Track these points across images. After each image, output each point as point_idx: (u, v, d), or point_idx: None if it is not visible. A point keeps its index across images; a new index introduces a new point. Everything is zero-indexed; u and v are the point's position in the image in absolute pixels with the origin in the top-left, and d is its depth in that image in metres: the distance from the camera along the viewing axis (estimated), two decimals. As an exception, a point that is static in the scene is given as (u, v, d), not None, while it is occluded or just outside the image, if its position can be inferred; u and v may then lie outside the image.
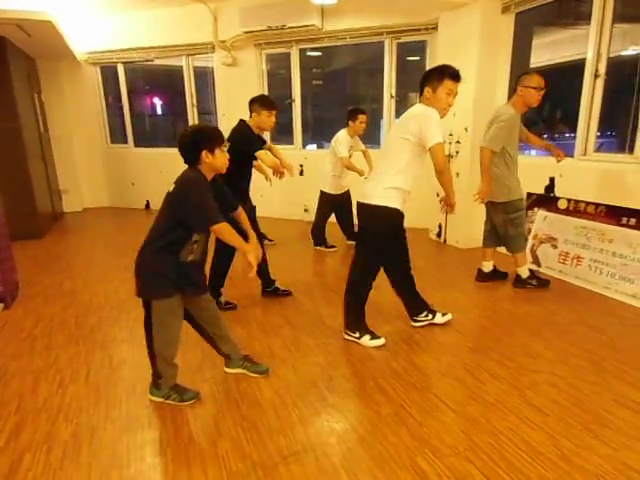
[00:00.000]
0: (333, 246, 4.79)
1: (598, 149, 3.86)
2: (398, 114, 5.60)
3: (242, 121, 3.21)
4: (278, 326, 2.98)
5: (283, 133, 6.40)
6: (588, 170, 3.74)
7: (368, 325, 2.75)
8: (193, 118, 6.72)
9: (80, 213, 7.11)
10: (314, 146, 6.50)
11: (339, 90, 7.18)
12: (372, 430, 1.94)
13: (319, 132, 6.71)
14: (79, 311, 3.30)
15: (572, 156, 3.90)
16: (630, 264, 3.26)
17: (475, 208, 4.06)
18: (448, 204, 2.67)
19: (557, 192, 3.96)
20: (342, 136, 4.49)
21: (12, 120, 5.05)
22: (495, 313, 3.13)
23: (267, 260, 3.38)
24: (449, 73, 2.43)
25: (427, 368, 2.45)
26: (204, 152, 1.94)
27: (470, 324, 2.98)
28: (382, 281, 2.84)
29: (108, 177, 7.42)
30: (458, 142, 4.58)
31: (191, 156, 1.97)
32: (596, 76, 3.63)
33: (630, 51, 4.05)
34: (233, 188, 3.04)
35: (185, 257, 2.01)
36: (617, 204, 3.42)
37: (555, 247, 3.86)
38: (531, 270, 3.59)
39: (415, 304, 2.92)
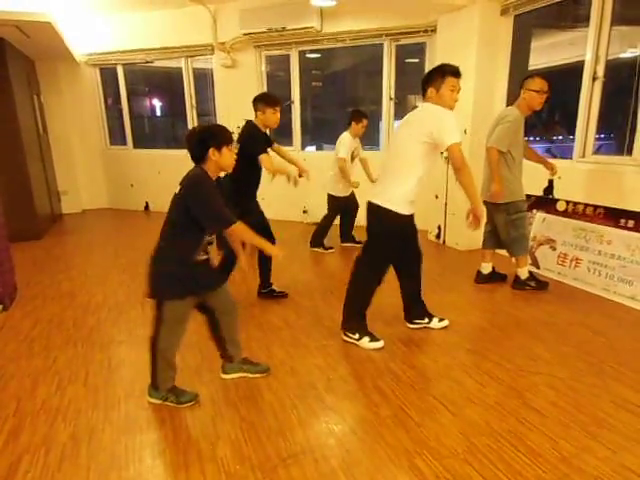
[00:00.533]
0: (331, 247, 4.79)
1: (597, 151, 3.87)
2: (397, 116, 5.61)
3: (249, 121, 3.22)
4: (277, 327, 2.98)
5: (282, 135, 6.41)
6: (587, 172, 3.75)
7: (367, 327, 2.75)
8: (192, 120, 6.73)
9: (79, 214, 7.10)
10: (313, 148, 6.50)
11: (338, 92, 7.20)
12: (371, 432, 1.94)
13: (318, 134, 6.72)
14: (77, 312, 3.29)
15: (571, 158, 3.91)
16: (629, 266, 3.27)
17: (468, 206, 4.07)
18: (474, 216, 2.54)
19: (556, 194, 3.97)
20: (346, 138, 4.51)
21: (11, 121, 5.05)
22: (494, 315, 3.14)
23: (271, 263, 3.42)
24: (450, 70, 2.45)
25: (426, 370, 2.45)
26: (211, 149, 1.94)
27: (469, 326, 2.98)
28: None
29: (107, 178, 7.42)
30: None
31: (198, 153, 1.97)
32: (594, 78, 3.65)
33: (628, 53, 4.06)
34: (242, 191, 3.06)
35: (198, 258, 2.03)
36: (616, 206, 3.43)
37: (554, 249, 3.86)
38: (530, 272, 3.60)
39: (416, 309, 2.92)
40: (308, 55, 6.05)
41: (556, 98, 3.27)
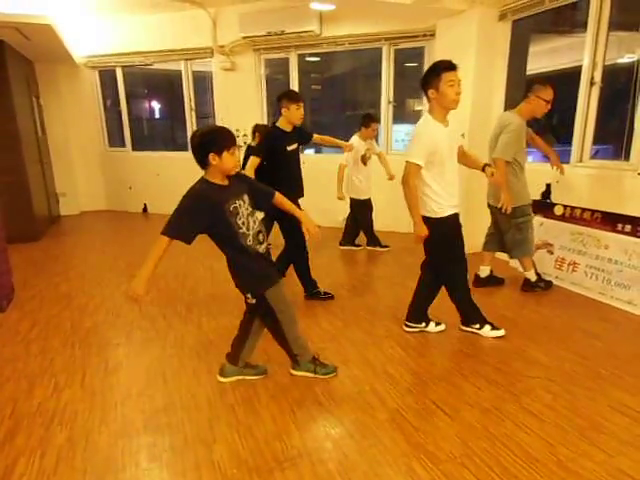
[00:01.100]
0: (387, 246, 4.82)
1: (594, 156, 3.88)
2: (395, 119, 5.63)
3: (265, 127, 3.35)
4: (275, 330, 2.97)
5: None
6: (584, 177, 3.77)
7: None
8: (191, 122, 6.74)
9: (77, 216, 7.09)
10: (312, 150, 6.51)
11: (337, 95, 7.22)
12: (368, 435, 1.94)
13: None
14: (75, 314, 3.29)
15: (568, 163, 3.93)
16: (625, 270, 3.28)
17: (473, 214, 4.07)
18: (415, 235, 2.63)
19: (553, 198, 3.98)
20: (353, 142, 4.53)
21: (10, 122, 5.05)
22: (491, 318, 3.13)
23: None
24: (443, 67, 2.46)
25: (423, 373, 2.45)
26: (211, 155, 1.93)
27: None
28: (378, 286, 2.84)
29: (106, 180, 7.42)
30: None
31: (199, 158, 1.98)
32: (592, 84, 3.66)
33: (625, 59, 4.08)
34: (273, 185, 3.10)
35: (253, 249, 2.09)
36: (613, 211, 3.44)
37: (551, 253, 3.87)
38: (538, 273, 3.62)
39: (419, 312, 2.93)
40: (307, 59, 6.07)
41: (554, 103, 3.29)
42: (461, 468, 1.74)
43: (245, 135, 6.30)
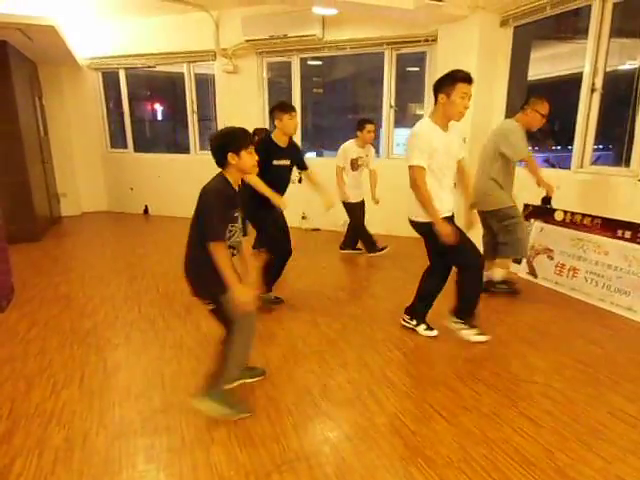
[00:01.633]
0: (384, 248, 4.74)
1: (595, 162, 3.89)
2: (397, 124, 5.64)
3: (265, 130, 3.35)
4: (273, 333, 2.98)
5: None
6: (585, 183, 3.77)
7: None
8: (193, 124, 6.76)
9: (78, 217, 7.11)
10: (313, 154, 6.53)
11: (339, 99, 7.25)
12: (366, 439, 1.93)
13: (318, 140, 6.75)
14: (74, 315, 3.29)
15: (569, 168, 3.93)
16: (625, 277, 3.28)
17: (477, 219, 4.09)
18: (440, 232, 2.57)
19: (554, 204, 3.98)
20: (346, 146, 4.54)
21: (12, 122, 5.07)
22: (490, 323, 3.13)
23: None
24: (461, 77, 2.48)
25: (421, 377, 2.44)
26: (230, 154, 1.96)
27: (466, 334, 2.98)
28: (377, 289, 2.84)
29: (107, 181, 7.44)
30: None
31: (219, 158, 2.00)
32: (593, 90, 3.68)
33: (627, 66, 4.10)
34: (257, 194, 3.10)
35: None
36: (613, 217, 3.45)
37: (551, 258, 3.87)
38: (505, 280, 3.63)
39: (420, 307, 2.94)
40: (309, 62, 6.09)
41: (555, 109, 3.31)
42: (459, 473, 1.73)
43: (247, 138, 6.32)
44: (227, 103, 6.35)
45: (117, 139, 7.36)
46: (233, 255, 2.06)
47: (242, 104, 6.25)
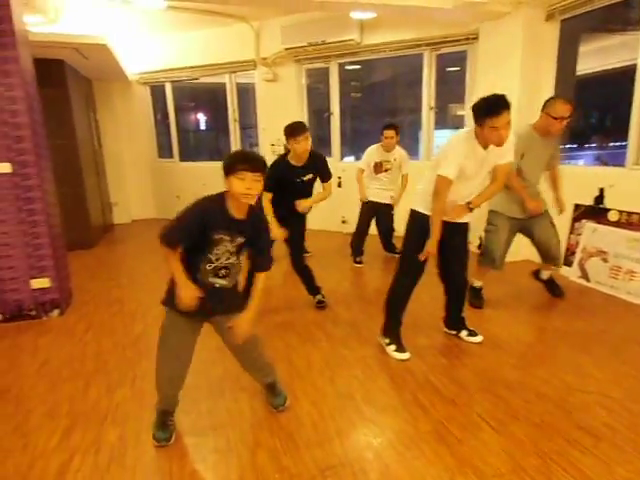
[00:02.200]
0: (359, 262, 4.70)
1: (652, 158, 3.66)
2: (437, 125, 5.55)
3: (280, 157, 3.37)
4: (315, 337, 2.99)
5: (322, 145, 6.48)
6: (641, 180, 3.55)
7: (405, 337, 2.74)
8: (235, 133, 6.94)
9: (128, 225, 7.46)
10: (352, 158, 6.53)
11: (377, 102, 7.21)
12: (411, 447, 1.90)
13: (357, 144, 6.74)
14: (126, 318, 3.44)
15: (623, 165, 3.72)
16: (690, 280, 3.06)
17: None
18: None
19: (607, 203, 3.78)
20: (369, 149, 4.58)
21: (70, 138, 5.40)
22: (539, 329, 3.01)
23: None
24: (488, 111, 2.29)
25: (467, 384, 2.38)
26: (225, 178, 1.81)
27: (512, 339, 2.87)
28: (421, 293, 2.80)
29: (155, 190, 7.76)
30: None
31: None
32: (649, 82, 3.47)
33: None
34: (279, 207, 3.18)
35: (203, 276, 1.88)
36: (674, 216, 3.23)
37: (605, 261, 3.67)
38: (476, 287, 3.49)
39: (451, 318, 2.92)
40: (347, 67, 6.11)
41: (607, 104, 3.14)
42: (509, 485, 1.67)
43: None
44: (267, 111, 6.47)
45: (164, 149, 7.67)
46: (224, 276, 1.92)
47: (282, 111, 6.35)
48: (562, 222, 4.10)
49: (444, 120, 5.76)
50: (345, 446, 1.93)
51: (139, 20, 5.76)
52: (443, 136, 5.74)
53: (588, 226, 3.88)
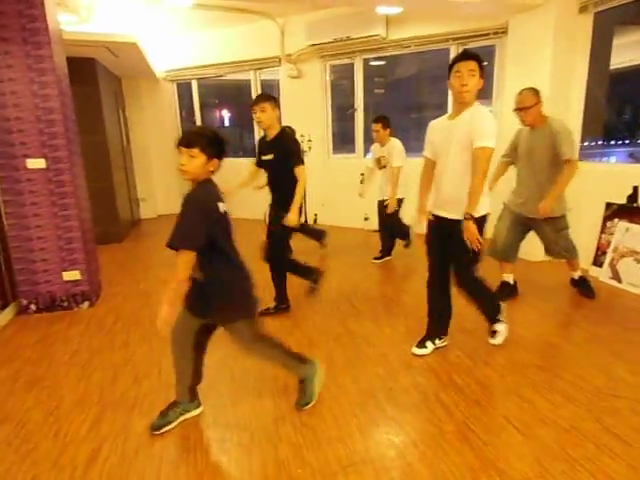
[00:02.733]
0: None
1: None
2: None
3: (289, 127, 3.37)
4: (338, 334, 3.00)
5: (345, 142, 6.46)
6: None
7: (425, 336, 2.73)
8: (259, 129, 6.97)
9: (155, 219, 7.61)
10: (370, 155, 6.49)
11: (402, 98, 7.14)
12: (433, 446, 1.89)
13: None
14: (152, 311, 3.52)
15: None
16: None
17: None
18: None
19: (642, 202, 3.65)
20: (373, 146, 4.61)
21: (100, 134, 5.55)
22: (567, 330, 2.94)
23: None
24: (454, 58, 2.35)
25: (492, 385, 2.34)
26: None
27: (539, 341, 2.81)
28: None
29: (181, 186, 7.87)
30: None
31: None
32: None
33: None
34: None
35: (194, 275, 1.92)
36: None
37: (639, 262, 3.54)
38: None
39: (489, 315, 2.80)
40: (372, 63, 6.06)
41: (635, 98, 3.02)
42: (534, 489, 1.64)
43: (310, 141, 6.43)
44: (291, 107, 6.49)
45: (189, 145, 7.78)
46: None
47: (306, 107, 6.36)
48: (593, 221, 4.00)
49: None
50: (367, 443, 1.93)
51: (167, 18, 5.85)
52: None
53: (621, 225, 3.75)
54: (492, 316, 2.75)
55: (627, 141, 5.40)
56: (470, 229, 2.30)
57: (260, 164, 3.23)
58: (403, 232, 4.67)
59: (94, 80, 5.41)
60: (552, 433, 1.94)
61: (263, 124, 3.05)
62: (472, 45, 5.12)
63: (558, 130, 3.04)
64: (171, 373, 2.53)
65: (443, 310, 2.72)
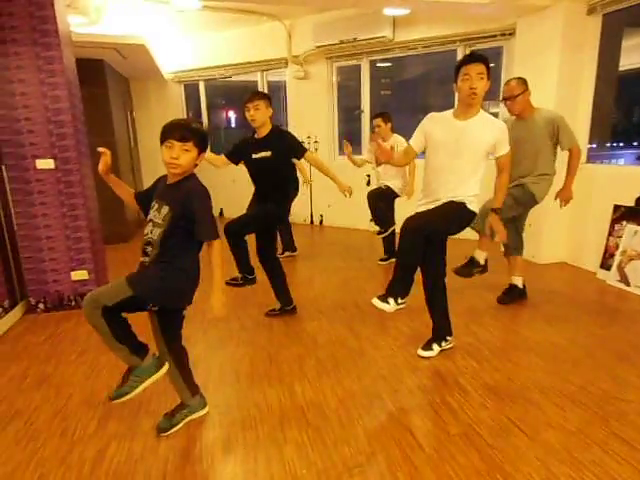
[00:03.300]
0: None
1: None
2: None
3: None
4: (343, 336, 3.00)
5: (352, 143, 6.46)
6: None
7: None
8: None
9: (161, 220, 7.64)
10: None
11: (408, 99, 7.13)
12: (439, 449, 1.88)
13: (387, 142, 6.68)
14: (159, 311, 3.53)
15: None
16: None
17: (550, 217, 3.83)
18: None
19: (651, 205, 3.62)
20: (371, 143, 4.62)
21: (109, 135, 5.59)
22: (575, 333, 2.92)
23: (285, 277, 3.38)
24: (462, 60, 2.37)
25: (498, 388, 2.33)
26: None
27: (547, 344, 2.80)
28: (450, 294, 2.76)
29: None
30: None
31: None
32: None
33: None
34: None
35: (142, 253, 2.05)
36: None
37: (648, 265, 3.52)
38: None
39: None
40: (378, 64, 6.07)
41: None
42: (541, 493, 1.63)
43: (316, 142, 6.44)
44: (298, 108, 6.50)
45: (196, 146, 7.82)
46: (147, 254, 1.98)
47: (312, 109, 6.37)
48: (601, 223, 3.98)
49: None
50: (372, 445, 1.92)
51: (175, 20, 5.88)
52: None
53: (629, 228, 3.72)
54: (441, 332, 2.70)
55: (635, 143, 5.36)
56: (495, 221, 2.59)
57: (248, 163, 3.14)
58: (385, 220, 4.60)
59: (103, 81, 5.46)
60: (559, 436, 1.93)
61: (256, 122, 2.99)
62: (479, 47, 5.11)
63: (556, 119, 3.07)
64: (177, 373, 2.55)
65: (440, 303, 2.68)
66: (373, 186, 4.54)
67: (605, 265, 3.91)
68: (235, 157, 3.18)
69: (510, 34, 4.70)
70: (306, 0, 4.68)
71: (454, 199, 2.46)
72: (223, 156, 3.18)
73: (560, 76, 4.08)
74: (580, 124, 4.21)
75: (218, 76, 7.06)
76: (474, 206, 2.51)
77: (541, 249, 4.45)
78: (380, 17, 5.17)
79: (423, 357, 2.64)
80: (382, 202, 4.59)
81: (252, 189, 3.33)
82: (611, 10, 3.88)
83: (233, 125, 8.85)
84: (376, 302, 2.52)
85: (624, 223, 3.77)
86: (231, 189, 7.23)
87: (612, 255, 3.84)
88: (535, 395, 2.24)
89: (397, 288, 2.56)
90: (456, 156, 2.41)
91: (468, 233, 2.86)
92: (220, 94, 8.22)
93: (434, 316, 2.69)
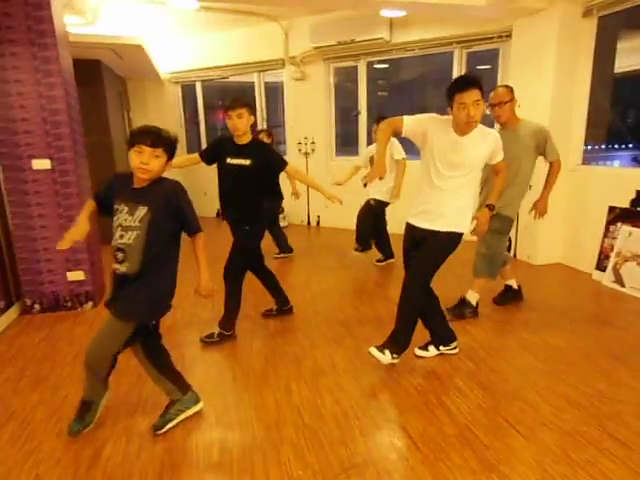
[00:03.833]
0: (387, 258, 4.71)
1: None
2: (467, 124, 5.45)
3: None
4: (340, 336, 3.00)
5: (348, 144, 6.48)
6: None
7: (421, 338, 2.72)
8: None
9: (158, 220, 7.62)
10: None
11: (405, 101, 7.15)
12: (435, 449, 1.89)
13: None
14: (156, 312, 3.53)
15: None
16: None
17: (546, 218, 3.84)
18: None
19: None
20: (368, 147, 4.70)
21: (105, 134, 5.58)
22: (570, 334, 2.93)
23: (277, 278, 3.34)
24: (455, 87, 2.30)
25: (494, 389, 2.34)
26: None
27: (543, 345, 2.81)
28: (444, 297, 2.77)
29: (184, 186, 7.91)
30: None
31: None
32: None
33: None
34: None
35: (114, 260, 2.03)
36: None
37: (643, 266, 3.54)
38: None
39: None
40: (375, 66, 6.08)
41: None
42: (536, 492, 1.64)
43: (313, 143, 6.45)
44: (295, 109, 6.51)
45: (193, 147, 7.81)
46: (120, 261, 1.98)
47: (309, 110, 6.38)
48: (596, 225, 4.00)
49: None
50: (369, 446, 1.93)
51: (172, 21, 5.88)
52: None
53: (624, 229, 3.75)
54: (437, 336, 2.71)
55: (631, 145, 5.39)
56: (484, 217, 2.69)
57: (222, 168, 2.92)
58: (365, 240, 4.64)
59: (99, 81, 5.44)
60: (554, 437, 1.94)
61: (239, 131, 2.78)
62: (476, 48, 5.14)
63: (544, 131, 3.05)
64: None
65: (432, 311, 2.69)
66: (369, 189, 4.53)
67: (600, 266, 3.94)
68: (209, 156, 2.97)
69: (506, 36, 4.72)
70: (303, 1, 4.68)
71: (449, 229, 2.43)
72: (197, 154, 3.03)
73: (556, 78, 4.11)
74: (576, 126, 4.24)
75: (215, 77, 7.06)
76: (467, 224, 2.52)
77: (537, 250, 4.47)
78: (377, 19, 5.18)
79: (419, 356, 2.66)
80: (368, 220, 4.62)
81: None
82: (606, 13, 3.91)
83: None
84: (373, 351, 2.52)
85: (619, 224, 3.80)
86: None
87: (607, 256, 3.87)
88: (531, 395, 2.26)
89: (398, 339, 2.57)
90: (452, 168, 2.40)
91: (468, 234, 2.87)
92: (217, 95, 8.21)
93: (426, 322, 2.71)
